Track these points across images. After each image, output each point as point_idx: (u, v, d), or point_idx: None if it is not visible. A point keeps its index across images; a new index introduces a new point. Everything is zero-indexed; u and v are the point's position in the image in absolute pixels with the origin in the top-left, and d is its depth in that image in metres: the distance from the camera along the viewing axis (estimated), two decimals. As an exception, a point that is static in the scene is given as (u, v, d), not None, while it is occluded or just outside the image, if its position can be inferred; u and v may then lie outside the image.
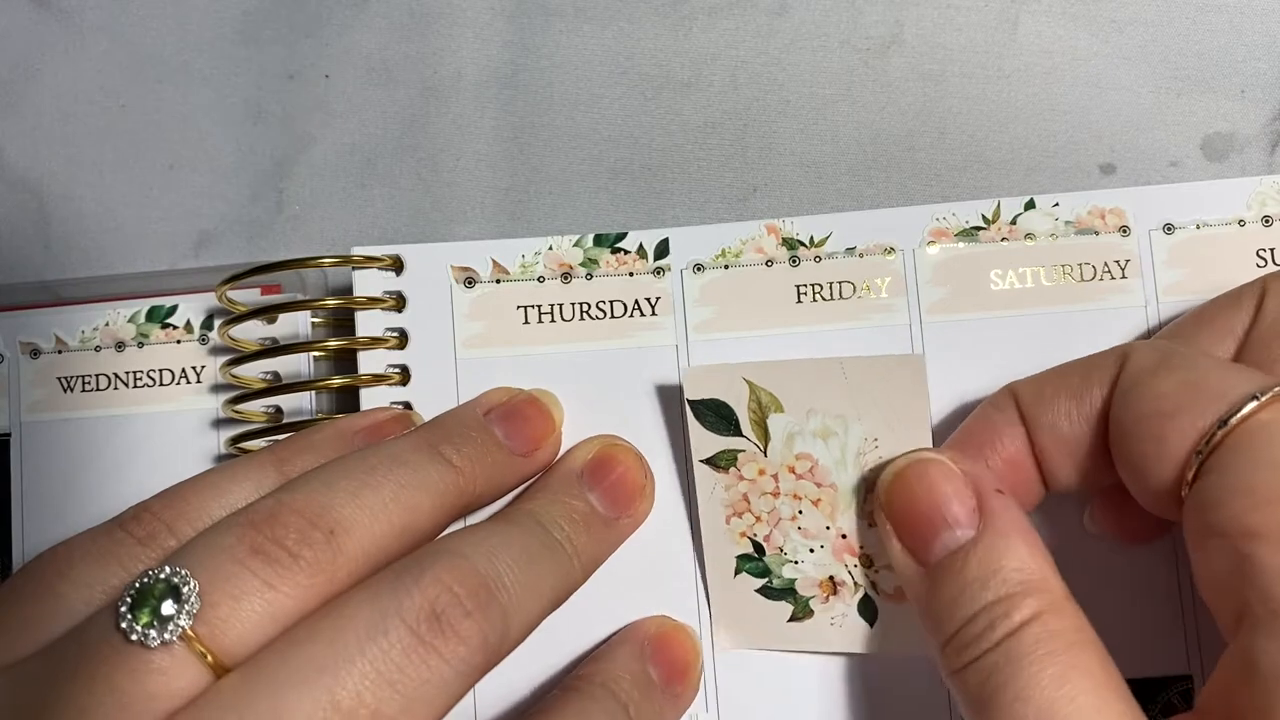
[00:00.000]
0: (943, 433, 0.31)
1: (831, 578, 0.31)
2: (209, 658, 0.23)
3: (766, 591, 0.31)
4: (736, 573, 0.32)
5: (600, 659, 0.30)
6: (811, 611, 0.31)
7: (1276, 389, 0.24)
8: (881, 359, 0.30)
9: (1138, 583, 0.31)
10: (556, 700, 0.29)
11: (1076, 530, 0.31)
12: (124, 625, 0.23)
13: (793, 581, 0.31)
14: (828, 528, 0.31)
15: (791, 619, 0.31)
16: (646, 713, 0.29)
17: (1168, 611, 0.31)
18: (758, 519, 0.31)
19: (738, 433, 0.31)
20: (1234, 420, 0.24)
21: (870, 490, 0.30)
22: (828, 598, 0.31)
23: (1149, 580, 0.31)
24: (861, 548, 0.31)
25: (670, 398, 0.32)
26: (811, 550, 0.31)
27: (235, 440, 0.33)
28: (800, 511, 0.31)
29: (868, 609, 0.31)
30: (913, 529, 0.27)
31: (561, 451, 0.32)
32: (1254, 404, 0.24)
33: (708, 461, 0.31)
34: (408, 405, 0.33)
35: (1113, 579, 0.31)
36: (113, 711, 0.22)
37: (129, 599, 0.23)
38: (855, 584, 0.31)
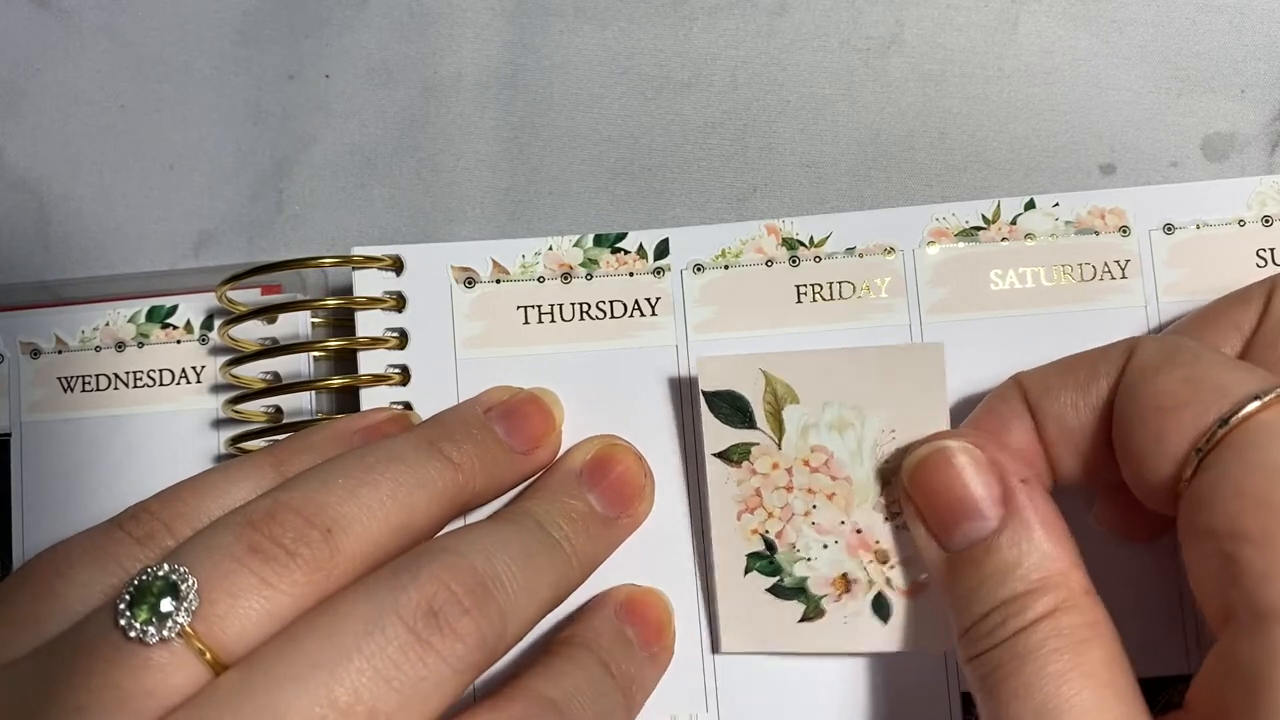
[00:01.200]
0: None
1: (844, 575, 0.30)
2: (207, 655, 0.23)
3: (778, 590, 0.31)
4: (746, 571, 0.31)
5: (575, 622, 0.30)
6: (823, 611, 0.31)
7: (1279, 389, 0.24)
8: (899, 348, 0.30)
9: (1139, 582, 0.31)
10: (536, 662, 0.28)
11: (1079, 527, 0.31)
12: (123, 622, 0.23)
13: (804, 580, 0.31)
14: (842, 522, 0.30)
15: (803, 619, 0.31)
16: (627, 671, 0.29)
17: (1168, 611, 0.31)
18: (770, 515, 0.31)
19: (752, 425, 0.31)
20: (1235, 419, 0.24)
21: (887, 483, 0.30)
22: (840, 596, 0.31)
23: (1150, 579, 0.31)
24: (877, 542, 0.30)
25: (671, 398, 0.32)
26: (825, 546, 0.31)
27: (235, 440, 0.33)
28: (814, 506, 0.31)
29: (881, 607, 0.30)
30: (937, 515, 0.27)
31: (561, 451, 0.32)
32: (1256, 404, 0.24)
33: (720, 455, 0.31)
34: (408, 405, 0.33)
35: (1114, 578, 0.31)
36: (111, 708, 0.22)
37: (128, 596, 0.23)
38: (869, 580, 0.30)
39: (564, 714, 0.26)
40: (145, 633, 0.23)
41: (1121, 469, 0.27)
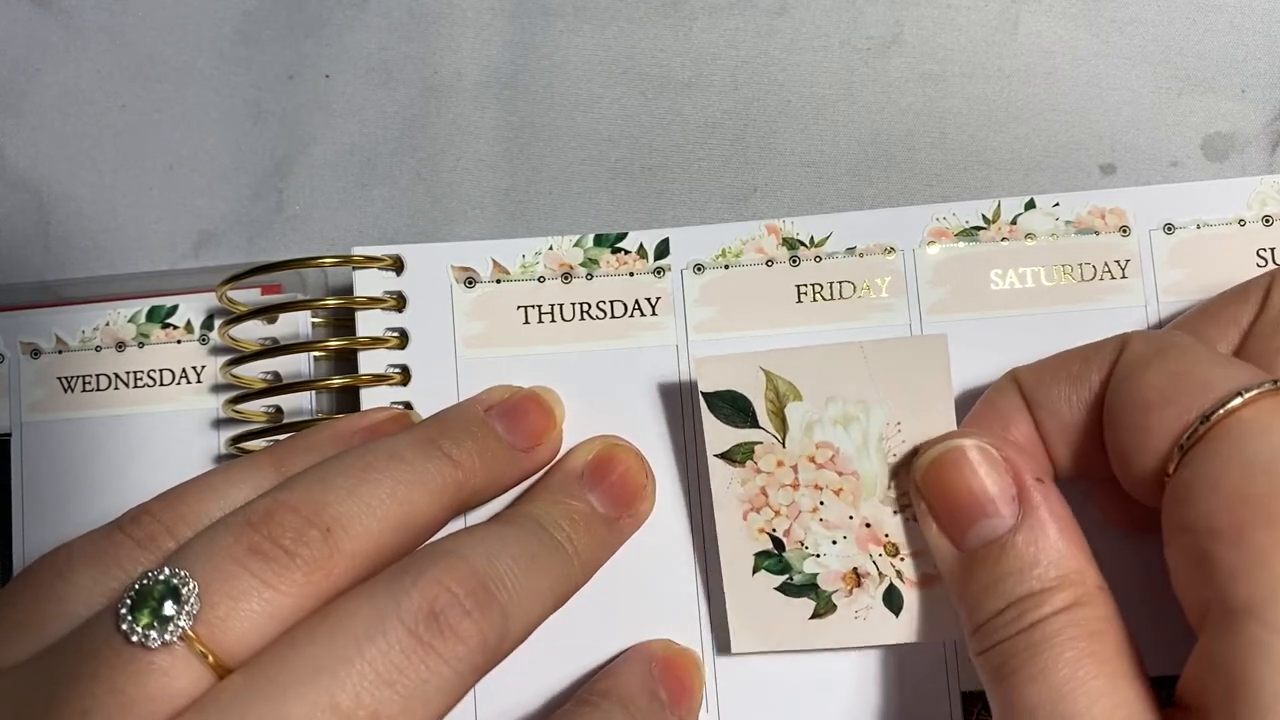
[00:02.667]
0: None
1: (855, 569, 0.30)
2: (210, 658, 0.23)
3: (786, 589, 0.31)
4: (755, 571, 0.31)
5: (611, 675, 0.30)
6: (834, 606, 0.30)
7: (1264, 386, 0.24)
8: (903, 340, 0.30)
9: (1145, 580, 0.31)
10: (569, 714, 0.29)
11: (1089, 521, 0.31)
12: (124, 627, 0.23)
13: (814, 576, 0.30)
14: (851, 517, 0.30)
15: (814, 615, 0.31)
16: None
17: (1175, 610, 0.31)
18: (776, 513, 0.31)
19: (754, 424, 0.30)
20: (1216, 415, 0.24)
21: (895, 476, 0.30)
22: (851, 591, 0.30)
23: (1157, 577, 0.31)
24: (886, 535, 0.30)
25: (671, 397, 0.32)
26: (834, 542, 0.30)
27: (235, 440, 0.33)
28: (822, 502, 0.30)
29: (893, 599, 0.30)
30: (950, 514, 0.27)
31: (562, 451, 0.32)
32: (1238, 400, 0.24)
33: (723, 456, 0.31)
34: (408, 405, 0.33)
35: (1132, 572, 0.31)
36: (114, 713, 0.22)
37: (129, 600, 0.23)
38: (880, 574, 0.30)
39: None
40: (147, 637, 0.23)
41: (1111, 463, 0.27)
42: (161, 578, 0.23)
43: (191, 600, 0.23)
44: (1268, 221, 0.32)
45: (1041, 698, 0.24)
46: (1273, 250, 0.32)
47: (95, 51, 0.38)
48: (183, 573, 0.24)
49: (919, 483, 0.28)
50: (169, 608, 0.23)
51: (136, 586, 0.23)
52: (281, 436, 0.31)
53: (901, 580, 0.30)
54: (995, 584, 0.26)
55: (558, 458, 0.32)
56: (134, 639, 0.23)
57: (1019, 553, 0.26)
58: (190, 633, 0.23)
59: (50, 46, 0.38)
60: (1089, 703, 0.24)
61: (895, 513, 0.30)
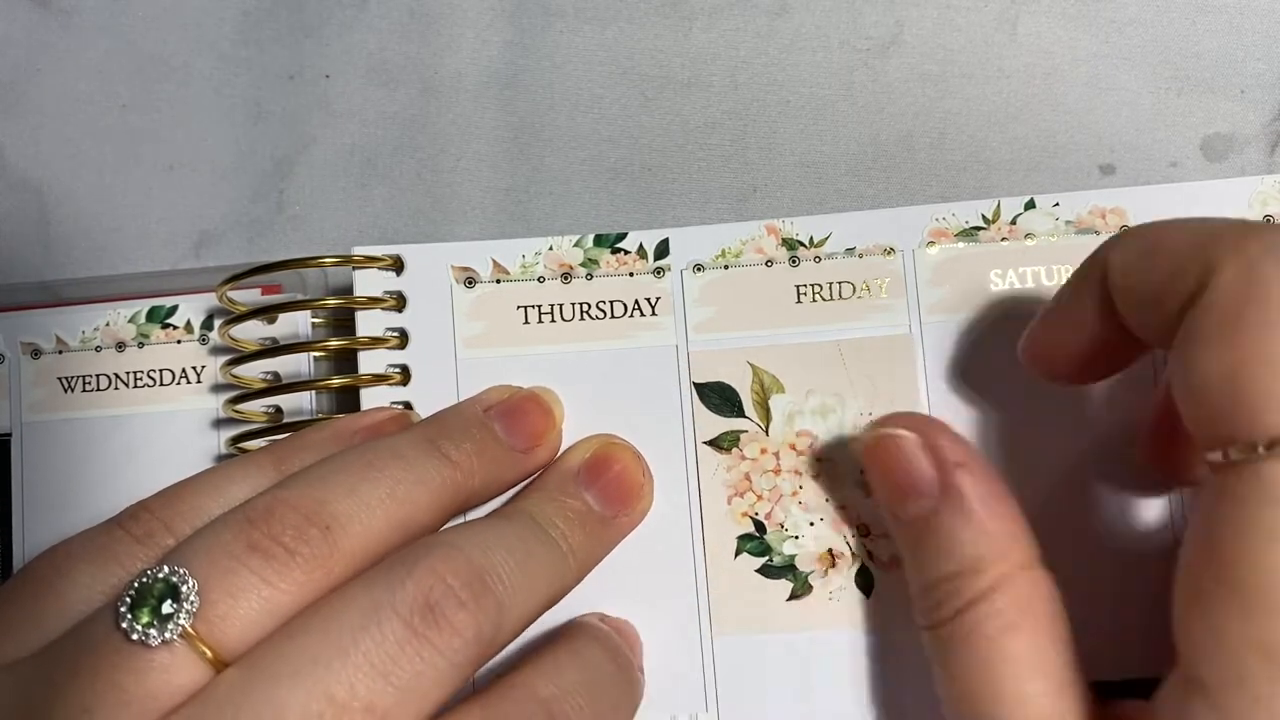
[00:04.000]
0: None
1: (830, 550, 0.32)
2: (209, 654, 0.23)
3: (766, 570, 0.32)
4: (737, 554, 0.32)
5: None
6: (810, 587, 0.32)
7: None
8: (874, 340, 0.32)
9: (1135, 580, 0.31)
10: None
11: (1077, 529, 0.31)
12: (124, 625, 0.23)
13: (793, 558, 0.32)
14: (827, 500, 0.32)
15: (791, 597, 0.32)
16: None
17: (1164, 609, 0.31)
18: (759, 497, 0.32)
19: (740, 414, 0.32)
20: None
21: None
22: (826, 571, 0.32)
23: (1146, 577, 0.31)
24: (859, 517, 0.32)
25: (670, 398, 0.32)
26: (812, 524, 0.32)
27: (235, 440, 0.33)
28: (801, 486, 0.32)
29: (864, 579, 0.32)
30: (887, 492, 0.29)
31: (561, 451, 0.32)
32: None
33: (711, 443, 0.32)
34: (408, 405, 0.33)
35: (1109, 576, 0.31)
36: (114, 710, 0.22)
37: (129, 598, 0.23)
38: (853, 554, 0.32)
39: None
40: (147, 635, 0.23)
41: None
42: (161, 576, 0.23)
43: (191, 598, 0.23)
44: (1268, 222, 0.32)
45: (955, 696, 0.26)
46: (1272, 250, 0.32)
47: (95, 51, 0.38)
48: (182, 570, 0.24)
49: (864, 463, 0.30)
50: (168, 606, 0.23)
51: (136, 585, 0.23)
52: (281, 436, 0.31)
53: (872, 560, 0.32)
54: (924, 559, 0.27)
55: (557, 456, 0.32)
56: (134, 637, 0.23)
57: (941, 533, 0.27)
58: (190, 630, 0.23)
59: (50, 46, 0.38)
60: (993, 704, 0.25)
61: (866, 497, 0.32)
